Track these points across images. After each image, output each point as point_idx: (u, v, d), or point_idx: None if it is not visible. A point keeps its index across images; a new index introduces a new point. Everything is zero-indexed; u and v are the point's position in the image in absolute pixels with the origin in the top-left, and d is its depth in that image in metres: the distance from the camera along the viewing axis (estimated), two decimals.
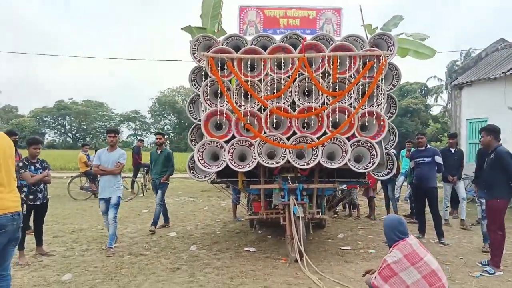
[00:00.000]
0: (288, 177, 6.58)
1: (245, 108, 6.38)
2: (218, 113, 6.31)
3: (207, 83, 6.43)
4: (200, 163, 6.30)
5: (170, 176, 8.94)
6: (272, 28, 7.49)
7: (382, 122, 6.31)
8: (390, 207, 9.90)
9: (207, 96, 6.49)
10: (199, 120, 7.06)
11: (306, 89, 6.40)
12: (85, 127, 71.31)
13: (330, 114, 6.26)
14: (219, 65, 6.35)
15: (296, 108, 6.34)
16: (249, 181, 7.04)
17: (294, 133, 6.33)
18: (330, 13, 7.56)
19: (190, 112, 7.19)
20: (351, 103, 6.37)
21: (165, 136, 8.72)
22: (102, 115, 74.07)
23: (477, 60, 13.88)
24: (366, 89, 6.30)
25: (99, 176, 7.24)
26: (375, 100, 6.42)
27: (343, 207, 11.00)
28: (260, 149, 6.29)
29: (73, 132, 73.90)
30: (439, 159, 7.56)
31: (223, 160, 6.32)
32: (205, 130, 6.40)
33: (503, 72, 11.30)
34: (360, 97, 6.36)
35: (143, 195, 14.36)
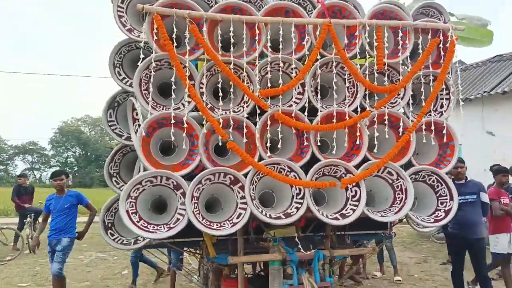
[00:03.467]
0: (296, 238, 3.66)
1: (223, 113, 3.39)
2: (172, 121, 3.22)
3: (147, 64, 3.33)
4: (133, 222, 3.08)
5: None
6: None
7: (451, 141, 3.79)
8: (383, 260, 7.40)
9: (146, 91, 3.38)
10: (128, 138, 3.88)
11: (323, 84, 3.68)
12: None
13: (373, 126, 3.57)
14: (173, 35, 3.32)
15: (318, 113, 3.53)
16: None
17: (314, 160, 3.48)
18: None
19: (111, 123, 3.96)
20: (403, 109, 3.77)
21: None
22: None
23: None
24: (430, 85, 3.73)
25: None
26: (435, 105, 3.90)
27: None
28: (253, 189, 3.31)
29: None
30: (485, 197, 5.25)
31: (180, 214, 3.21)
32: (144, 154, 3.24)
33: (485, 92, 9.89)
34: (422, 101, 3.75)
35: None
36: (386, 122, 3.55)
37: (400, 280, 6.70)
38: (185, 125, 3.20)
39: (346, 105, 3.62)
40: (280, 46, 3.44)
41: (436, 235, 10.17)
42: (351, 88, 3.68)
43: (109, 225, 3.79)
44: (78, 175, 56.23)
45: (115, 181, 3.98)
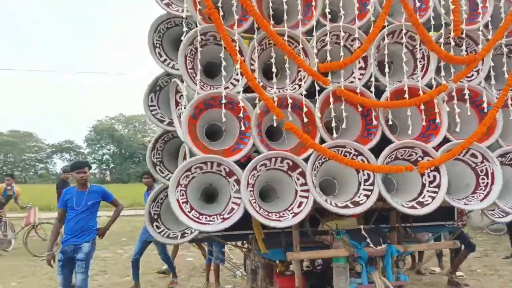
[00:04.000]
0: (362, 230, 3.24)
1: (275, 92, 3.01)
2: (222, 101, 2.87)
3: (193, 38, 2.99)
4: (185, 212, 2.76)
5: None
6: None
7: None
8: (442, 254, 6.82)
9: (192, 70, 3.05)
10: (170, 124, 3.59)
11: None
12: (12, 160, 63.31)
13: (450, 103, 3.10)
14: (219, 3, 2.97)
15: (386, 89, 3.08)
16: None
17: (385, 142, 3.04)
18: None
19: (152, 108, 3.67)
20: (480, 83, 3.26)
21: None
22: (31, 146, 66.59)
23: None
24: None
25: None
26: None
27: None
28: (315, 175, 2.92)
29: None
30: None
31: (234, 203, 2.87)
32: (191, 138, 2.91)
33: None
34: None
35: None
36: (467, 97, 3.06)
37: (462, 276, 6.13)
38: (241, 104, 2.84)
39: (415, 80, 3.16)
40: (342, 12, 3.01)
41: (491, 226, 9.47)
42: (420, 61, 3.20)
43: (155, 216, 3.50)
44: (115, 171, 57.93)
45: (159, 169, 3.68)
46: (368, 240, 3.16)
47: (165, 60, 3.52)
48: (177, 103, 3.43)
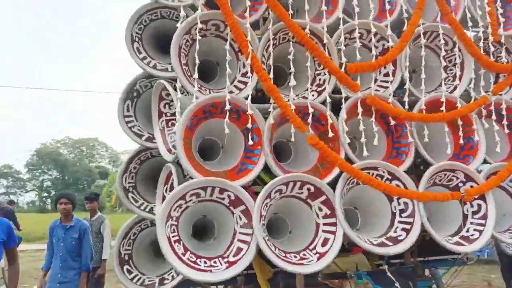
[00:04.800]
0: (387, 272, 2.65)
1: (293, 98, 2.42)
2: (227, 108, 2.22)
3: (190, 26, 2.35)
4: (178, 255, 2.02)
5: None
6: None
7: None
8: None
9: (187, 67, 2.39)
10: (150, 139, 2.88)
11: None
12: None
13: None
14: None
15: (421, 100, 2.59)
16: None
17: (417, 164, 2.53)
18: None
19: (128, 118, 2.93)
20: None
21: None
22: None
23: None
24: None
25: None
26: None
27: None
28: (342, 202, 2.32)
29: None
30: None
31: (242, 241, 2.18)
32: (186, 155, 2.22)
33: None
34: None
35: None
36: (505, 112, 2.65)
37: None
38: (249, 112, 2.21)
39: (444, 90, 2.72)
40: (372, 5, 2.54)
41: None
42: (451, 69, 2.78)
43: (126, 257, 2.70)
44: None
45: (132, 197, 2.89)
46: (397, 284, 2.57)
47: (145, 58, 2.84)
48: (160, 113, 2.74)
